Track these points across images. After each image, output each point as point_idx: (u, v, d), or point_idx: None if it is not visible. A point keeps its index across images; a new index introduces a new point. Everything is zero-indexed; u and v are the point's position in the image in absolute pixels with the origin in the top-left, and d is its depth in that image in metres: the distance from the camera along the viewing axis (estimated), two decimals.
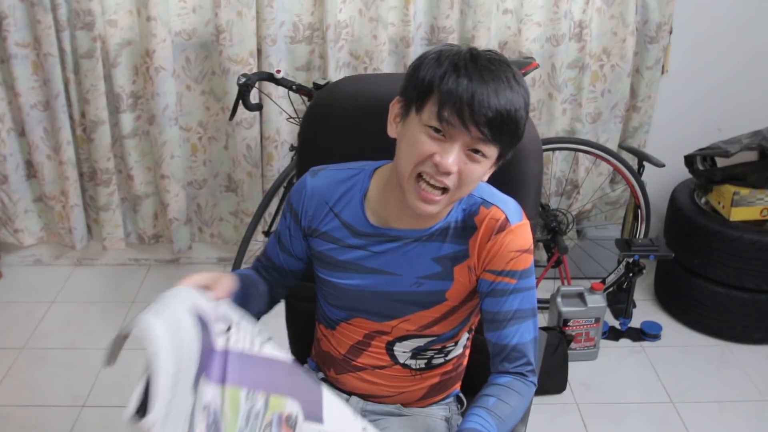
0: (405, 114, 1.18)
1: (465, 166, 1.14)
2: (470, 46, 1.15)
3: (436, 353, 1.40)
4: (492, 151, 1.15)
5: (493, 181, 1.39)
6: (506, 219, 1.25)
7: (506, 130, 1.12)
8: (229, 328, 1.14)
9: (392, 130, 1.21)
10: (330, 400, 1.20)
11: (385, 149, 1.26)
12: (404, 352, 1.38)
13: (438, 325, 1.34)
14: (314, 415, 1.17)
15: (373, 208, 1.30)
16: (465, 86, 1.09)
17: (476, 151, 1.13)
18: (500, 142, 1.13)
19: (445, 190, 1.15)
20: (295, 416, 1.16)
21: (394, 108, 1.21)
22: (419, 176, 1.15)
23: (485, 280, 1.28)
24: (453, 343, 1.41)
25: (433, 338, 1.37)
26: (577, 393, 2.49)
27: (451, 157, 1.12)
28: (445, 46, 1.16)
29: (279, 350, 1.19)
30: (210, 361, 1.10)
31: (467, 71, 1.10)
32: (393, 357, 1.39)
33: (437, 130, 1.12)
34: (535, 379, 1.32)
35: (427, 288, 1.30)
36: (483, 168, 1.16)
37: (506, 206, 1.26)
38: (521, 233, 1.26)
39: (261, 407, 1.13)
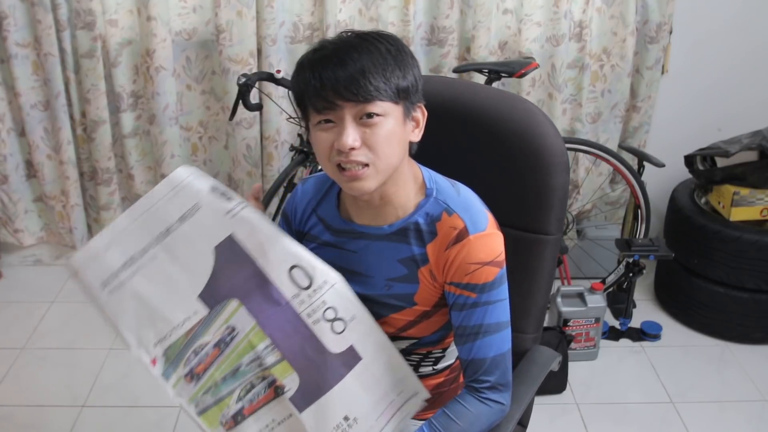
0: (308, 128, 1.23)
1: (366, 134, 1.15)
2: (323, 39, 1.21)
3: (422, 359, 1.39)
4: (385, 107, 1.15)
5: (515, 193, 1.38)
6: (465, 229, 1.21)
7: (368, 84, 1.12)
8: (307, 287, 1.21)
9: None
10: (327, 404, 1.22)
11: None
12: None
13: (414, 328, 1.33)
14: (300, 402, 1.22)
15: (344, 205, 1.33)
16: (312, 74, 1.14)
17: (369, 116, 1.14)
18: (377, 95, 1.13)
19: (366, 164, 1.17)
20: (285, 390, 1.22)
21: (307, 132, 1.25)
22: (339, 167, 1.18)
23: (449, 292, 1.26)
24: (440, 350, 1.39)
25: (414, 341, 1.36)
26: (577, 393, 2.49)
27: (345, 136, 1.14)
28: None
29: (334, 337, 1.22)
30: (264, 296, 1.21)
31: (312, 61, 1.16)
32: None
33: (327, 121, 1.17)
34: (497, 396, 1.27)
35: (396, 291, 1.29)
36: (389, 126, 1.16)
37: (468, 215, 1.23)
38: (481, 245, 1.21)
39: (269, 363, 1.22)
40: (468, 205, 1.25)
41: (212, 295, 1.23)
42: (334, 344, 1.21)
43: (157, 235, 1.22)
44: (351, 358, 1.22)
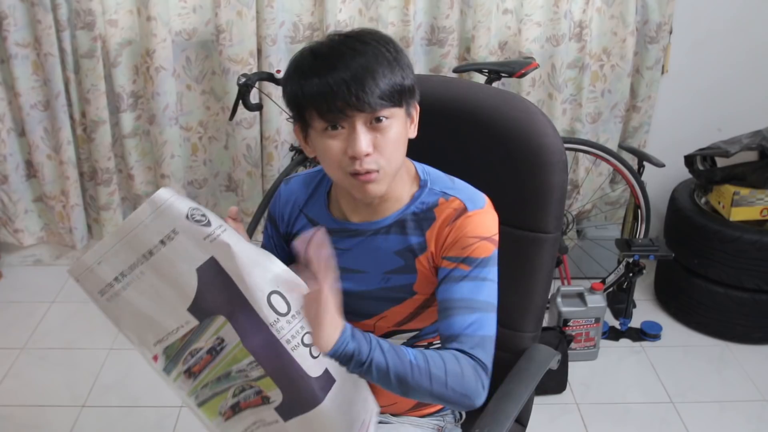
0: (305, 133, 1.21)
1: (378, 138, 1.16)
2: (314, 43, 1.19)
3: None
4: (392, 111, 1.16)
5: (513, 192, 1.38)
6: (464, 207, 1.24)
7: (377, 90, 1.12)
8: (286, 313, 1.21)
9: (310, 152, 1.24)
10: (308, 424, 1.23)
11: None
12: None
13: (414, 321, 1.33)
14: (285, 413, 1.23)
15: (335, 204, 1.33)
16: (320, 80, 1.12)
17: (378, 119, 1.15)
18: (385, 101, 1.13)
19: (376, 170, 1.17)
20: (271, 400, 1.23)
21: (297, 135, 1.24)
22: (352, 174, 1.17)
23: (442, 268, 1.25)
24: (440, 341, 1.39)
25: (415, 332, 1.36)
26: (577, 393, 2.49)
27: (359, 142, 1.14)
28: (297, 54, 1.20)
29: (312, 362, 1.22)
30: (245, 318, 1.20)
31: (314, 66, 1.14)
32: None
33: (334, 127, 1.15)
34: (483, 374, 1.17)
35: (395, 283, 1.29)
36: (397, 128, 1.17)
37: (466, 195, 1.26)
38: (480, 220, 1.23)
39: (254, 377, 1.23)
40: (464, 188, 1.27)
41: (200, 310, 1.24)
42: (312, 369, 1.22)
43: (141, 255, 1.23)
44: (327, 381, 1.23)
